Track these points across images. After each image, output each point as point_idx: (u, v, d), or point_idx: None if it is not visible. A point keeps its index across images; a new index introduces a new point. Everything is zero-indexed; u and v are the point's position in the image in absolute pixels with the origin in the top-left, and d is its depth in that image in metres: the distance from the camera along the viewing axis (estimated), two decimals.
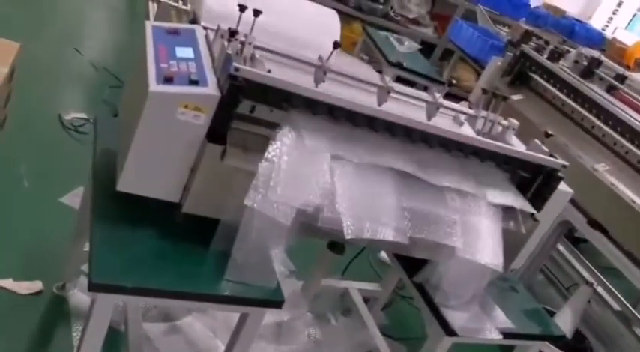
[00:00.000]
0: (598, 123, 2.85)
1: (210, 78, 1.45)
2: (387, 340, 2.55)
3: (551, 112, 3.10)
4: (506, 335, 1.79)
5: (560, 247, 3.42)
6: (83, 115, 3.27)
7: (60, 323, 2.14)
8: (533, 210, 1.76)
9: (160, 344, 2.16)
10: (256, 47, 1.56)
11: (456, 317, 1.76)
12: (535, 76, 3.27)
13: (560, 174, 1.79)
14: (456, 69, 5.49)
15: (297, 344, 2.42)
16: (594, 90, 3.01)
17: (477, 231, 1.70)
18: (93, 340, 1.43)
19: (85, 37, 4.47)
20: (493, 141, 1.75)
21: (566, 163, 1.78)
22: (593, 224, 2.64)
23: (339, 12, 2.26)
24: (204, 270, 1.51)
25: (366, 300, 2.67)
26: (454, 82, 1.93)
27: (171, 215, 1.55)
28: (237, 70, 1.38)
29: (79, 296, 2.22)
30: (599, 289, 3.07)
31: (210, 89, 1.42)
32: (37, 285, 2.21)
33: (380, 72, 1.95)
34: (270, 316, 2.47)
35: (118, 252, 1.43)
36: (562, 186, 1.84)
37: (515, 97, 3.26)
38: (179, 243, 1.53)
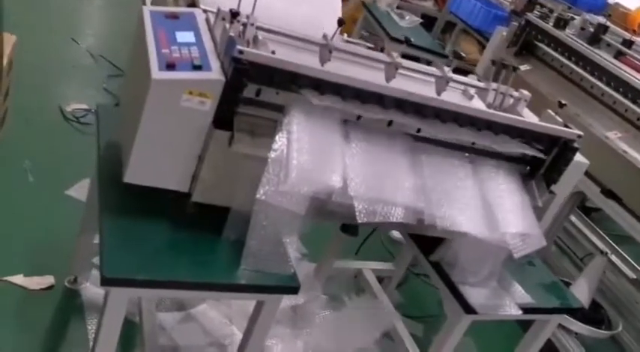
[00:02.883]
0: (608, 90, 2.79)
1: (214, 62, 1.41)
2: (404, 319, 2.53)
3: (559, 81, 3.03)
4: (526, 310, 1.76)
5: (573, 217, 3.39)
6: (84, 106, 3.22)
7: (74, 317, 2.13)
8: None
9: (175, 333, 2.14)
10: (258, 28, 1.51)
11: (475, 295, 1.74)
12: (542, 45, 3.20)
13: (575, 144, 1.74)
14: (459, 42, 5.40)
15: (313, 326, 2.40)
16: (603, 57, 2.95)
17: (497, 204, 1.66)
18: (108, 335, 1.40)
19: (81, 26, 4.41)
20: (507, 114, 1.70)
21: (581, 133, 1.74)
22: (607, 193, 2.59)
23: None
24: (218, 260, 1.48)
25: (379, 280, 2.65)
26: (463, 54, 1.87)
27: (180, 205, 1.52)
28: (241, 52, 1.33)
29: (91, 289, 2.20)
30: (613, 258, 3.04)
31: (215, 74, 1.37)
32: (48, 280, 2.19)
33: (382, 49, 1.90)
34: (284, 300, 2.45)
35: (128, 244, 1.40)
36: (578, 157, 1.80)
37: (522, 68, 3.20)
38: (190, 233, 1.50)
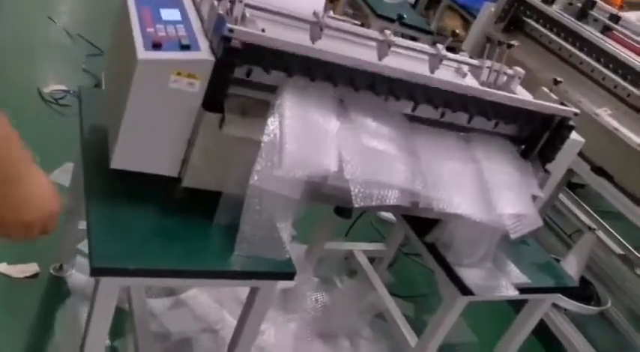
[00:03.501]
0: (597, 66, 2.77)
1: (202, 41, 1.35)
2: (395, 299, 2.52)
3: (548, 58, 3.00)
4: (522, 290, 1.75)
5: (560, 195, 3.39)
6: (63, 87, 3.13)
7: (60, 305, 2.08)
8: None
9: (165, 319, 2.11)
10: (247, 5, 1.45)
11: (471, 276, 1.72)
12: (530, 21, 3.16)
13: (571, 122, 1.72)
14: (443, 18, 5.34)
15: (304, 309, 2.38)
16: (591, 32, 2.92)
17: (493, 184, 1.63)
18: (99, 326, 1.36)
19: (57, 3, 4.27)
20: (501, 92, 1.66)
21: (577, 111, 1.71)
22: (598, 171, 2.59)
23: None
24: (211, 246, 1.44)
25: (370, 260, 2.63)
26: (457, 31, 1.82)
27: (170, 190, 1.47)
28: (231, 31, 1.27)
29: (77, 276, 2.15)
30: (601, 234, 3.05)
31: (204, 53, 1.31)
32: (32, 268, 2.13)
33: (362, 25, 1.84)
34: None
35: (117, 232, 1.35)
36: (574, 135, 1.78)
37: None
38: (181, 220, 1.45)
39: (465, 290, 1.68)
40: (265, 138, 1.36)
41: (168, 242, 1.40)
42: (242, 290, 1.86)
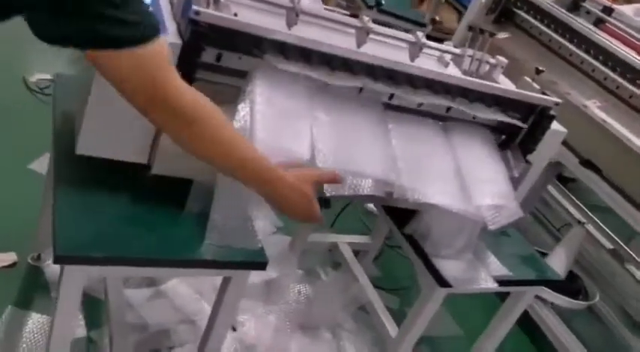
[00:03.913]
0: (587, 58, 2.73)
1: (170, 25, 1.32)
2: (379, 292, 2.50)
3: (538, 49, 2.97)
4: (502, 282, 1.73)
5: (550, 188, 3.36)
6: (48, 76, 3.09)
7: (38, 295, 2.05)
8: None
9: (143, 311, 2.08)
10: None
11: (449, 268, 1.69)
12: (521, 12, 3.13)
13: (552, 112, 1.69)
14: (438, 10, 5.30)
15: (287, 301, 2.36)
16: (582, 24, 2.88)
17: (472, 174, 1.61)
18: (65, 316, 1.33)
19: None
20: (480, 81, 1.64)
21: (559, 101, 1.68)
22: (586, 163, 2.56)
23: None
24: (181, 235, 1.41)
25: (355, 253, 2.61)
26: (437, 18, 1.79)
27: (140, 178, 1.44)
28: (197, 13, 1.24)
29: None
30: (591, 228, 3.03)
31: (171, 37, 1.28)
32: (10, 257, 2.11)
33: (355, 16, 1.81)
34: (258, 275, 2.40)
35: (84, 220, 1.33)
36: (555, 126, 1.75)
37: (501, 35, 3.13)
38: (151, 208, 1.42)
39: (442, 282, 1.66)
40: (235, 125, 1.33)
41: (137, 230, 1.37)
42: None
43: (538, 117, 1.69)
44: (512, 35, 3.12)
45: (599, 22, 3.11)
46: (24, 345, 1.85)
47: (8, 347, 1.85)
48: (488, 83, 1.65)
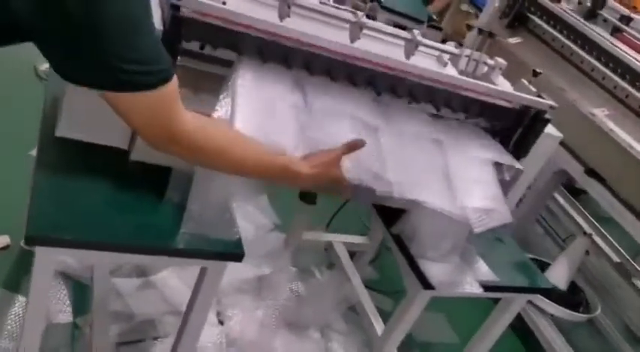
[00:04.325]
0: (598, 65, 2.68)
1: (155, 10, 1.31)
2: (374, 294, 2.48)
3: (549, 55, 2.92)
4: (488, 288, 1.69)
5: (560, 199, 3.30)
6: None
7: (27, 279, 2.03)
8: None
9: (131, 300, 2.08)
10: None
11: (434, 270, 1.66)
12: (534, 17, 3.08)
13: (547, 116, 1.65)
14: (457, 18, 5.24)
15: (279, 298, 2.34)
16: (596, 32, 2.83)
17: (460, 175, 1.57)
18: (37, 299, 1.32)
19: None
20: (472, 80, 1.60)
21: (554, 104, 1.64)
22: (590, 173, 2.50)
23: None
24: (158, 222, 1.40)
25: (352, 254, 2.58)
26: (434, 17, 1.76)
27: (122, 164, 1.43)
28: None
29: None
30: (598, 240, 2.96)
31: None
32: (4, 240, 2.13)
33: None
34: (251, 270, 2.39)
35: (59, 202, 1.31)
36: (551, 130, 1.71)
37: (512, 40, 3.09)
38: (130, 194, 1.41)
39: (426, 284, 1.63)
40: (215, 115, 1.32)
41: (113, 215, 1.36)
42: None
43: (532, 120, 1.65)
44: (525, 40, 3.08)
45: (615, 31, 3.06)
46: (8, 327, 1.86)
47: None
48: (480, 83, 1.61)
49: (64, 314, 1.97)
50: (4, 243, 2.12)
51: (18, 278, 2.05)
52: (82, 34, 0.90)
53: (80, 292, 2.06)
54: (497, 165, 1.66)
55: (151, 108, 1.05)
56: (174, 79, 1.07)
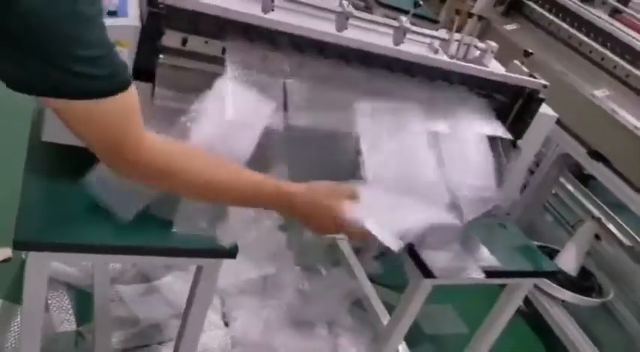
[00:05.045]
0: (596, 46, 2.64)
1: (133, 7, 1.30)
2: (381, 288, 2.45)
3: (547, 40, 2.88)
4: (491, 273, 1.65)
5: (568, 185, 3.26)
6: None
7: None
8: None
9: (135, 306, 2.07)
10: None
11: (435, 258, 1.62)
12: (530, 3, 3.05)
13: (541, 95, 1.62)
14: (454, 7, 5.21)
15: (284, 298, 2.32)
16: (593, 14, 2.79)
17: (453, 159, 1.55)
18: (32, 307, 1.32)
19: None
20: (465, 63, 1.58)
21: (546, 83, 1.61)
22: (594, 154, 2.46)
23: None
24: (151, 222, 1.39)
25: (357, 250, 2.56)
26: (420, 2, 1.73)
27: None
28: None
29: None
30: (609, 225, 2.91)
31: (130, 19, 1.27)
32: (6, 252, 2.13)
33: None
34: (255, 271, 2.38)
35: (49, 206, 1.31)
36: (545, 109, 1.68)
37: (508, 27, 3.06)
38: None
39: (427, 273, 1.60)
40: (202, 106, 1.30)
41: (105, 217, 1.35)
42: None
43: (526, 101, 1.62)
44: (521, 26, 3.05)
45: (615, 13, 3.01)
46: (11, 339, 1.85)
47: None
48: (473, 65, 1.59)
49: (68, 323, 1.96)
50: (5, 256, 2.12)
51: (20, 290, 2.04)
52: (24, 33, 0.83)
53: (83, 301, 2.05)
54: (494, 146, 1.64)
55: (103, 119, 0.96)
56: (133, 91, 0.99)
